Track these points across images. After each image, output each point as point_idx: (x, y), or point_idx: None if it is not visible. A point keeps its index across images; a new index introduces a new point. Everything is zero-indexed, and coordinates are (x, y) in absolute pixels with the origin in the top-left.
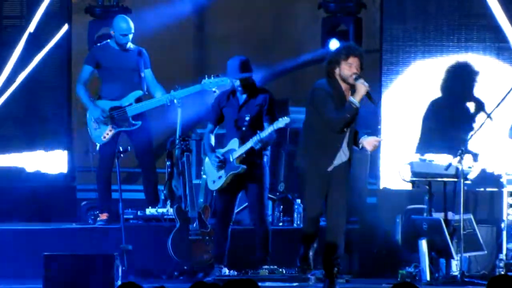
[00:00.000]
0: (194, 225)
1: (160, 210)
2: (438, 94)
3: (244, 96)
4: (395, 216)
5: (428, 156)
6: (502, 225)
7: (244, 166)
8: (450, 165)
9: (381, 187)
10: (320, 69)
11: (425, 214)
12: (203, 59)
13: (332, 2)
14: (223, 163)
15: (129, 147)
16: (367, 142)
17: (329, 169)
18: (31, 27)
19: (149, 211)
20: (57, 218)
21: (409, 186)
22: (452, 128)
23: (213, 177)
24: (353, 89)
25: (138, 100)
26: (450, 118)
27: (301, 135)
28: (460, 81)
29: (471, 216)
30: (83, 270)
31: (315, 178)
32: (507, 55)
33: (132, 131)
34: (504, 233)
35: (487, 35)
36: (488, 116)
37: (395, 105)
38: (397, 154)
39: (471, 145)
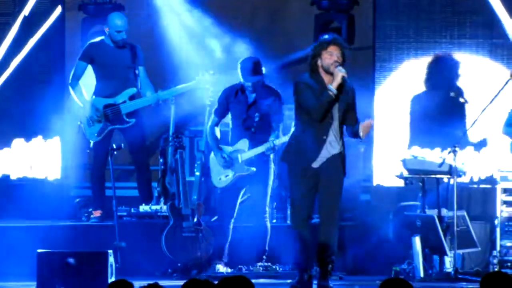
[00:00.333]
0: (188, 222)
1: (154, 207)
2: (430, 90)
3: (254, 95)
4: (388, 213)
5: (420, 152)
6: (496, 221)
7: (254, 169)
8: (443, 162)
9: (374, 184)
10: None
11: (418, 211)
12: (197, 56)
13: None
14: (229, 164)
15: (122, 144)
16: (361, 129)
17: (315, 164)
18: (26, 11)
19: (143, 208)
20: (50, 215)
21: (402, 183)
22: (445, 124)
23: (219, 174)
24: None
25: (132, 97)
26: (443, 114)
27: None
28: (451, 77)
29: (465, 213)
30: (76, 267)
31: (299, 174)
32: (500, 52)
33: (125, 128)
34: (498, 229)
35: (480, 31)
36: (482, 111)
37: (388, 102)
38: (390, 151)
39: (471, 137)
